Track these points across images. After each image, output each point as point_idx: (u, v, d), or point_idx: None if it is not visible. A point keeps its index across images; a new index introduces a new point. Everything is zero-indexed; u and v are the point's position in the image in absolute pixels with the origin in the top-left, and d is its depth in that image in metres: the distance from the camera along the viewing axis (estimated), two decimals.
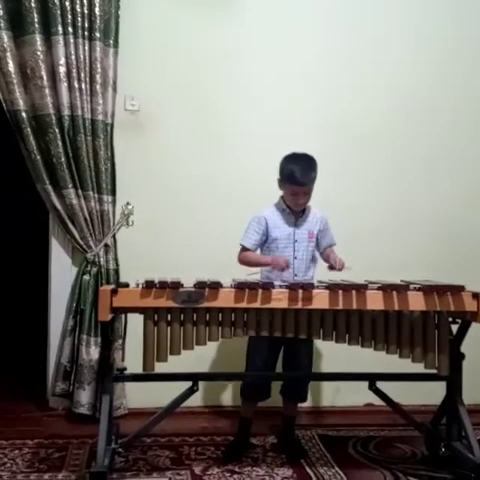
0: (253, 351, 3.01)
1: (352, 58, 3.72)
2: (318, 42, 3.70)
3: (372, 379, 2.88)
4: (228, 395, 3.63)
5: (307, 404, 3.46)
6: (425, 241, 3.76)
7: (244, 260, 2.99)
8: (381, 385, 2.89)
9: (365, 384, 2.88)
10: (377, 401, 3.05)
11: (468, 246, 3.81)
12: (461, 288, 2.61)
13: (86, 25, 3.31)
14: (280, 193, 3.02)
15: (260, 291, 2.55)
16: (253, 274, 2.83)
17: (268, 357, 3.00)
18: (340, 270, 2.87)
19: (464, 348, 2.78)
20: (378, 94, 3.75)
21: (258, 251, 3.03)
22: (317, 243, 3.04)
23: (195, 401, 3.48)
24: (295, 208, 2.98)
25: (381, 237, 3.72)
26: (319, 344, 2.66)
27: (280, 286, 2.59)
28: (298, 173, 2.88)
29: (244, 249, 3.00)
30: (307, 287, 2.57)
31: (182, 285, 2.53)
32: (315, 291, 2.57)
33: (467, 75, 3.84)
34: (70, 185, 3.34)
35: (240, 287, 2.55)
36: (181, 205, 3.58)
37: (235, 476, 2.75)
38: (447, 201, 3.80)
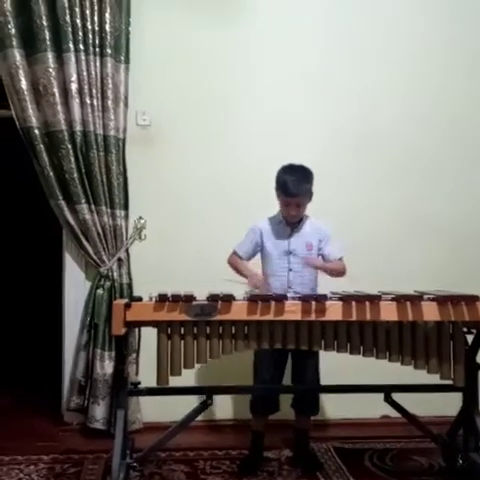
0: (259, 365, 3.01)
1: (355, 60, 3.73)
2: (321, 43, 3.71)
3: (387, 391, 2.85)
4: (240, 408, 3.62)
5: (322, 416, 3.45)
6: (430, 247, 3.73)
7: (231, 264, 3.07)
8: (397, 397, 2.86)
9: (381, 396, 2.86)
10: (393, 413, 3.02)
11: (474, 252, 3.77)
12: (476, 298, 2.58)
13: (97, 42, 3.35)
14: None
15: (273, 303, 2.54)
16: (229, 280, 2.84)
17: (274, 370, 3.00)
18: (332, 273, 2.91)
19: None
20: (382, 96, 3.74)
21: (257, 260, 3.06)
22: (321, 256, 3.02)
23: (209, 415, 3.48)
24: (288, 219, 2.99)
25: (385, 243, 3.71)
26: (334, 356, 2.63)
27: (293, 298, 2.59)
28: (291, 184, 2.89)
29: (235, 253, 3.06)
30: (320, 299, 2.56)
31: (195, 298, 2.53)
32: (328, 303, 2.56)
33: (470, 76, 3.82)
34: (83, 200, 3.36)
35: (253, 300, 2.55)
36: (193, 218, 3.59)
37: None
38: (452, 206, 3.78)
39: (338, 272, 2.98)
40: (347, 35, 3.73)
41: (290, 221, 3.01)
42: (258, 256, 3.08)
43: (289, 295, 2.63)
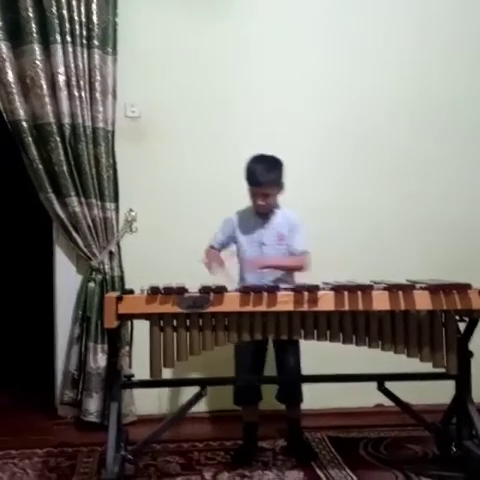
0: (239, 356, 3.02)
1: (354, 59, 3.72)
2: (320, 43, 3.70)
3: (381, 380, 2.86)
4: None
5: (317, 406, 3.45)
6: (429, 245, 3.73)
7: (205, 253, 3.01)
8: (390, 385, 2.87)
9: (374, 385, 2.87)
10: (387, 402, 3.03)
11: (472, 248, 3.77)
12: (467, 286, 2.59)
13: (84, 33, 3.32)
14: None
15: (265, 294, 2.53)
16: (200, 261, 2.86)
17: (254, 361, 3.00)
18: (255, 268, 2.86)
19: (472, 346, 2.77)
20: (380, 95, 3.73)
21: (234, 248, 3.04)
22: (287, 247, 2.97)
23: (203, 406, 3.49)
24: (257, 209, 2.97)
25: (384, 242, 3.71)
26: (327, 346, 2.64)
27: (285, 289, 2.59)
28: (257, 173, 2.86)
29: (210, 246, 3.05)
30: (312, 289, 2.56)
31: (187, 290, 2.53)
32: (320, 293, 2.55)
33: (469, 74, 3.82)
34: (73, 193, 3.34)
35: (245, 291, 2.54)
36: (184, 209, 3.58)
37: None
38: (451, 203, 3.77)
39: (293, 268, 2.94)
40: (346, 35, 3.71)
41: (259, 212, 2.97)
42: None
43: (283, 286, 2.62)
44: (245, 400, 3.06)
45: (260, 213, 2.99)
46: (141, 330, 2.61)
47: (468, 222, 3.78)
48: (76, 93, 3.31)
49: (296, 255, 2.92)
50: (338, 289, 2.55)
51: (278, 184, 2.93)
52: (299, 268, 2.92)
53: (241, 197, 3.42)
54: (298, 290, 2.55)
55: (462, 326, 2.74)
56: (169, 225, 3.55)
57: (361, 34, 3.72)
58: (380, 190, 3.72)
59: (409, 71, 3.76)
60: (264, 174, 2.86)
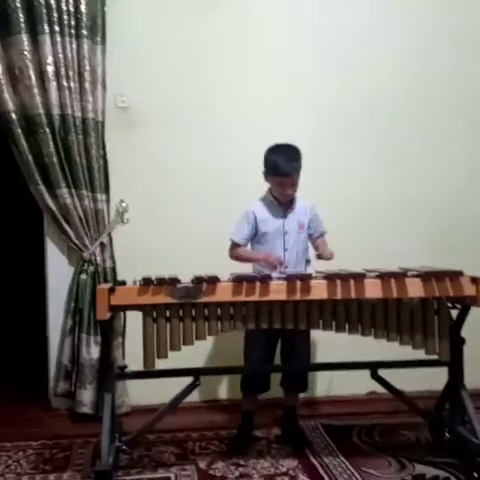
0: (250, 345, 3.02)
1: (346, 43, 3.70)
2: (310, 28, 3.68)
3: (374, 367, 2.88)
4: (228, 388, 3.64)
5: (310, 394, 3.47)
6: (422, 229, 3.74)
7: (235, 255, 2.99)
8: (383, 373, 2.89)
9: (367, 372, 2.88)
10: (380, 389, 3.05)
11: (465, 232, 3.78)
12: (459, 273, 2.60)
13: (72, 23, 3.28)
14: (267, 185, 3.01)
15: (258, 284, 2.54)
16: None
17: (265, 350, 3.00)
18: (329, 259, 2.90)
19: (464, 333, 2.78)
20: (372, 75, 3.72)
21: (249, 245, 3.03)
22: (310, 233, 3.04)
23: (197, 396, 3.50)
24: (283, 199, 2.98)
25: (377, 226, 3.71)
26: (320, 334, 2.65)
27: (278, 278, 2.59)
28: (282, 164, 2.86)
29: (235, 244, 3.00)
30: (305, 278, 2.56)
31: (179, 281, 2.53)
32: (313, 282, 2.56)
33: (457, 56, 3.80)
34: (63, 185, 3.32)
35: (238, 280, 2.54)
36: (176, 200, 3.56)
37: (240, 469, 2.75)
38: (444, 188, 3.77)
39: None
40: (334, 20, 3.69)
41: (283, 201, 2.98)
42: None
43: (275, 275, 2.62)
44: (254, 389, 3.07)
45: (280, 202, 2.99)
46: (134, 321, 2.61)
47: (460, 207, 3.79)
48: (65, 83, 3.28)
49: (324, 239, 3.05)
50: (331, 278, 2.56)
51: (300, 172, 2.94)
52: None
53: (234, 185, 3.46)
54: (291, 279, 2.55)
55: (454, 313, 2.76)
56: (161, 215, 3.54)
57: (349, 18, 3.70)
58: (373, 176, 3.72)
59: (396, 51, 3.74)
60: (289, 164, 2.87)
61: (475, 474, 2.58)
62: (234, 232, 3.00)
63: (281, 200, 2.98)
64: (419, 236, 3.72)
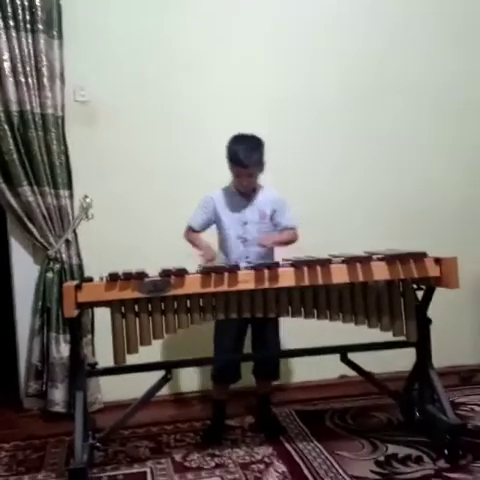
0: (220, 335, 3.02)
1: (308, 33, 3.70)
2: (275, 16, 3.67)
3: (343, 351, 2.91)
4: (201, 380, 3.64)
5: (282, 381, 3.49)
6: (387, 218, 3.78)
7: (186, 238, 3.05)
8: (353, 356, 2.92)
9: (337, 357, 2.92)
10: (351, 373, 3.09)
11: (429, 220, 3.83)
12: (423, 255, 2.64)
13: (28, 17, 3.23)
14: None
15: (226, 274, 2.54)
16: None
17: (234, 339, 3.01)
18: (265, 246, 2.92)
19: (431, 313, 2.82)
20: (332, 70, 3.74)
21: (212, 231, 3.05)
22: (275, 225, 3.02)
23: (170, 389, 3.49)
24: (241, 189, 2.99)
25: (343, 217, 3.74)
26: (289, 321, 2.67)
27: (246, 267, 2.60)
28: (240, 154, 2.87)
29: (189, 228, 3.04)
30: (272, 266, 2.57)
31: (147, 275, 2.52)
32: (280, 270, 2.57)
33: (424, 39, 3.85)
34: (25, 182, 3.27)
35: (206, 272, 2.54)
36: (140, 193, 3.53)
37: (216, 459, 2.77)
38: (408, 178, 3.82)
39: (291, 242, 2.99)
40: (299, 8, 3.68)
41: (243, 191, 2.99)
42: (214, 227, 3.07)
43: (243, 265, 2.63)
44: (225, 379, 3.08)
45: (242, 192, 3.00)
46: (103, 317, 2.60)
47: (425, 197, 3.84)
48: (23, 79, 3.23)
49: (289, 231, 3.00)
50: (297, 265, 2.57)
51: (261, 163, 2.94)
52: (294, 241, 2.99)
53: (199, 179, 3.43)
54: (258, 268, 2.56)
55: (420, 294, 2.80)
56: (126, 210, 3.51)
57: (323, 11, 3.71)
58: (339, 168, 3.76)
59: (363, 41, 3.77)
60: (248, 155, 2.87)
61: (445, 451, 2.63)
62: (191, 217, 3.05)
63: (240, 190, 2.99)
64: (382, 225, 3.75)
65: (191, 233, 3.04)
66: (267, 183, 3.06)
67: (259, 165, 2.93)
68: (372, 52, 3.78)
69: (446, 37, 3.86)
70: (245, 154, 2.86)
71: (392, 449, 2.76)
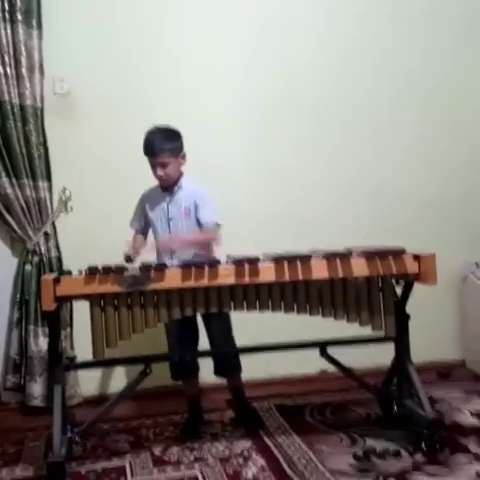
0: (168, 333, 3.00)
1: (300, 32, 3.71)
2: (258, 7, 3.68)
3: (323, 346, 2.92)
4: None
5: (262, 375, 3.49)
6: (365, 210, 3.79)
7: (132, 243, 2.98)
8: (333, 351, 2.93)
9: (317, 352, 2.92)
10: (330, 367, 3.10)
11: (406, 212, 3.86)
12: (402, 251, 2.65)
13: (6, 7, 3.21)
14: None
15: (207, 268, 2.53)
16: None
17: (183, 335, 2.97)
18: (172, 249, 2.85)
19: (409, 309, 2.84)
20: (330, 69, 3.75)
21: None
22: (197, 221, 2.92)
23: (149, 382, 3.48)
24: (160, 182, 2.95)
25: (323, 207, 3.75)
26: (269, 315, 2.67)
27: (226, 262, 2.59)
28: (150, 143, 2.85)
29: (135, 231, 3.05)
30: (253, 261, 2.57)
31: (127, 269, 2.50)
32: (261, 265, 2.57)
33: (423, 28, 3.87)
34: (3, 174, 3.25)
35: (186, 266, 2.53)
36: (120, 186, 3.48)
37: (195, 453, 2.77)
38: (388, 169, 3.83)
39: (205, 241, 2.89)
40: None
41: (163, 185, 2.95)
42: None
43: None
44: (182, 375, 3.07)
45: (166, 188, 2.95)
46: (82, 311, 2.58)
47: (404, 188, 3.85)
48: (1, 70, 3.21)
49: (207, 229, 2.89)
50: (278, 260, 2.57)
51: (175, 153, 2.89)
52: (211, 241, 2.89)
53: None
54: (239, 263, 2.55)
55: (399, 290, 2.82)
56: (105, 203, 3.47)
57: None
58: (309, 157, 3.76)
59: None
60: (158, 143, 2.83)
61: (423, 445, 2.65)
62: (130, 219, 3.06)
63: (161, 184, 2.96)
64: (361, 217, 3.76)
65: (136, 236, 3.02)
66: (192, 176, 3.00)
67: (172, 154, 2.86)
68: (368, 51, 3.80)
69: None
70: (154, 143, 2.83)
71: (370, 443, 2.78)
